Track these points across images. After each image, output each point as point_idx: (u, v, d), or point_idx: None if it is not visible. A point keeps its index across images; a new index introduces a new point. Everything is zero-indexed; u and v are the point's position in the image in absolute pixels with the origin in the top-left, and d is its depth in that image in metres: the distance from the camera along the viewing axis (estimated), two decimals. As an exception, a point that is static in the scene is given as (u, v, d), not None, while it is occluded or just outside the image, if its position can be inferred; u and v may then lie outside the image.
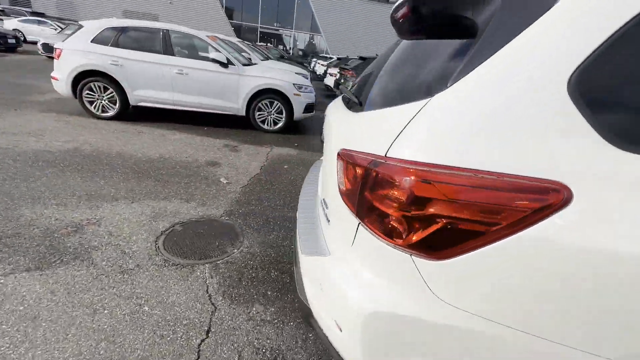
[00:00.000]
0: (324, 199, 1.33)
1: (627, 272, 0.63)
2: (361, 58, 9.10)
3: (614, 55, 0.64)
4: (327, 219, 1.20)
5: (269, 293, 1.91)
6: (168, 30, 5.01)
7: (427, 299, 0.80)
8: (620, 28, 0.62)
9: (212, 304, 1.77)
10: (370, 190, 0.85)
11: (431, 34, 0.88)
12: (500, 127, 0.71)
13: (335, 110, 1.46)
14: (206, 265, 2.07)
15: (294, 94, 5.29)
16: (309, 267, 1.13)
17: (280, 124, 5.50)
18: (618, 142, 0.65)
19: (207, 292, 1.84)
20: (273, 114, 5.44)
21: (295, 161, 4.30)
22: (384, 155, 0.83)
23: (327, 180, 1.29)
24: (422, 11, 0.84)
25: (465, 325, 0.78)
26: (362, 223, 0.90)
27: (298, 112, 5.44)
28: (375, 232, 0.85)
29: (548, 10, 0.68)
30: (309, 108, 5.57)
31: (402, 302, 0.82)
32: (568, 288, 0.68)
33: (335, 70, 10.14)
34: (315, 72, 15.79)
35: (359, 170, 0.90)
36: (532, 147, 0.69)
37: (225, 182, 3.36)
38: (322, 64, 14.45)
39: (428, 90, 0.84)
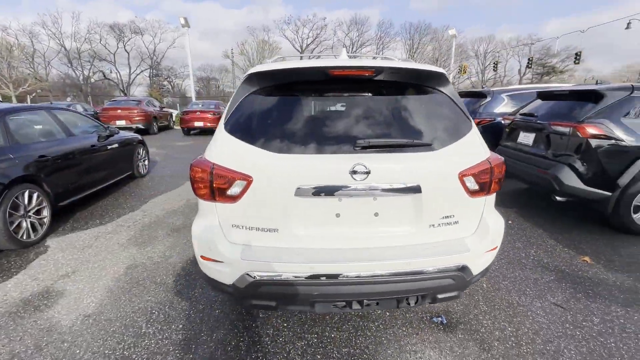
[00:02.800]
0: (452, 214, 1.72)
1: None
2: None
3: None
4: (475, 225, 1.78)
5: None
6: None
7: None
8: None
9: None
10: (496, 172, 1.72)
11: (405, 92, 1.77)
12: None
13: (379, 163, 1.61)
14: None
15: None
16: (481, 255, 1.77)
17: None
18: None
19: None
20: None
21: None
22: (487, 157, 1.72)
23: (439, 206, 1.68)
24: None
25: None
26: (489, 195, 1.75)
27: None
28: (494, 191, 1.77)
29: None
30: None
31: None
32: None
33: None
34: None
35: (486, 170, 1.68)
36: None
37: None
38: None
39: (465, 128, 1.74)
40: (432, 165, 1.62)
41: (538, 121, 4.03)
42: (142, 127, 12.00)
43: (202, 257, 1.73)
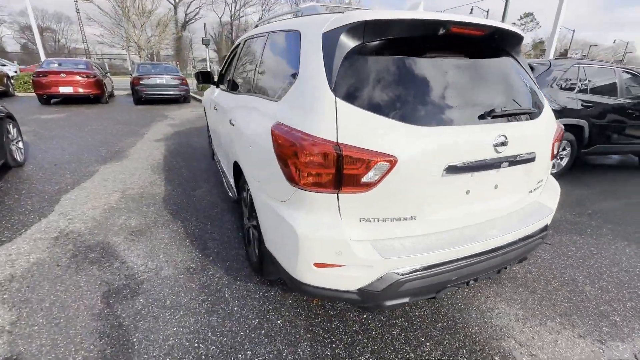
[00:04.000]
0: (542, 178, 1.83)
1: None
2: None
3: None
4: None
5: None
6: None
7: None
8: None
9: None
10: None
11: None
12: None
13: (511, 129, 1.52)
14: None
15: None
16: None
17: None
18: None
19: None
20: None
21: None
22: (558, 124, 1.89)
23: (538, 172, 1.75)
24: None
25: None
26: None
27: None
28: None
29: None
30: None
31: None
32: None
33: None
34: None
35: (561, 135, 1.85)
36: None
37: None
38: None
39: (541, 96, 1.80)
40: (541, 132, 1.65)
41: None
42: (-35, 94, 8.26)
43: (316, 264, 1.34)
